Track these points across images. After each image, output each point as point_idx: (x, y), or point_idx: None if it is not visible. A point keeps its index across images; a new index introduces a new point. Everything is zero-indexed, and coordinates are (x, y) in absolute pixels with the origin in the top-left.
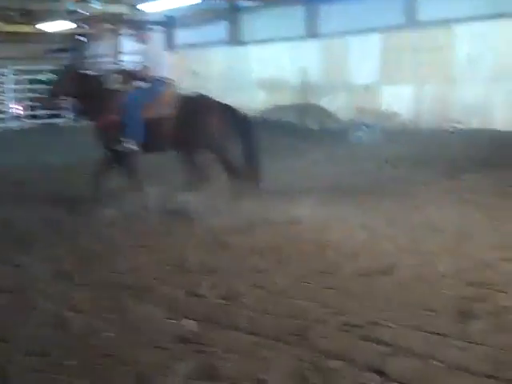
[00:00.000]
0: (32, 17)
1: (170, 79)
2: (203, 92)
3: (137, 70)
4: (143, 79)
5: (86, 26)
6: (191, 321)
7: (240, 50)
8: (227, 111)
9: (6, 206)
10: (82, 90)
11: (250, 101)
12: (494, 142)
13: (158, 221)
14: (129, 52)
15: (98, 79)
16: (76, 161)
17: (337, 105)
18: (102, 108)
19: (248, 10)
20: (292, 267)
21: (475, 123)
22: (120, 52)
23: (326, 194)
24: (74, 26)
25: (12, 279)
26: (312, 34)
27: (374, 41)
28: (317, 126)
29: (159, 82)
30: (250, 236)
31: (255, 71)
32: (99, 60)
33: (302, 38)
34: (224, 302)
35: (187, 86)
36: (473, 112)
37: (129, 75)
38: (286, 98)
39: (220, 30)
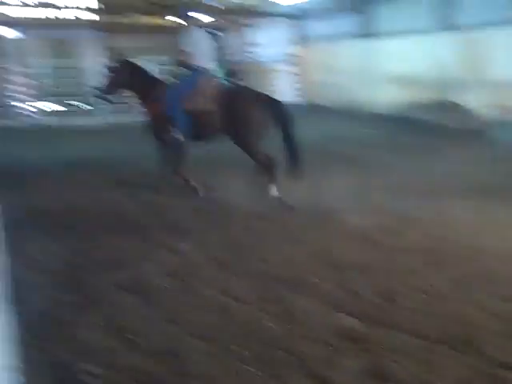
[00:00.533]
0: (168, 9)
1: (211, 69)
2: (334, 85)
3: (187, 59)
4: (189, 68)
5: (218, 19)
6: (351, 318)
7: (372, 42)
8: (270, 103)
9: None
10: (133, 81)
11: (383, 96)
12: None
13: (288, 213)
14: (257, 44)
15: (147, 71)
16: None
17: (476, 102)
18: (150, 99)
19: (381, 0)
20: (447, 269)
21: None
22: (249, 44)
23: (472, 194)
24: (206, 18)
25: (171, 264)
26: (449, 25)
27: None
28: (455, 124)
29: (200, 72)
30: (399, 235)
31: (388, 65)
32: (229, 52)
33: (437, 29)
34: (382, 300)
35: (317, 79)
36: None
37: (183, 65)
38: (421, 94)
39: (351, 21)
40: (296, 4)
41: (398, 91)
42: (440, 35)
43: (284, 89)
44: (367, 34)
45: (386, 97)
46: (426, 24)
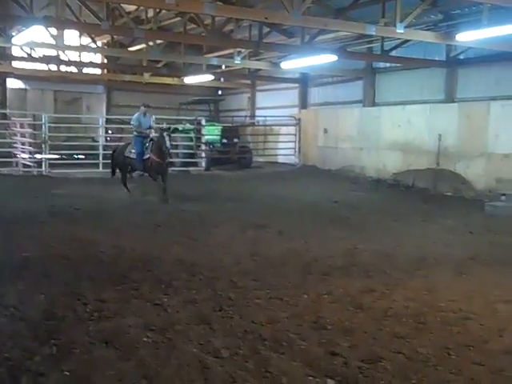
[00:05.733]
0: (176, 70)
1: None
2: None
3: None
4: None
5: (223, 80)
6: (332, 381)
7: (374, 110)
8: None
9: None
10: None
11: (382, 162)
12: None
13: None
14: (260, 106)
15: None
16: None
17: (473, 172)
18: None
19: (385, 70)
20: (432, 336)
21: None
22: (252, 106)
23: (463, 263)
24: (212, 78)
25: (154, 318)
26: (450, 97)
27: None
28: (451, 192)
29: None
30: (386, 299)
31: (388, 133)
32: (234, 113)
33: (439, 101)
34: (365, 365)
35: (317, 142)
36: None
37: None
38: (419, 162)
39: (355, 89)
40: (301, 70)
41: (398, 158)
42: (442, 106)
43: (284, 150)
44: (372, 102)
45: (385, 163)
46: (429, 95)
